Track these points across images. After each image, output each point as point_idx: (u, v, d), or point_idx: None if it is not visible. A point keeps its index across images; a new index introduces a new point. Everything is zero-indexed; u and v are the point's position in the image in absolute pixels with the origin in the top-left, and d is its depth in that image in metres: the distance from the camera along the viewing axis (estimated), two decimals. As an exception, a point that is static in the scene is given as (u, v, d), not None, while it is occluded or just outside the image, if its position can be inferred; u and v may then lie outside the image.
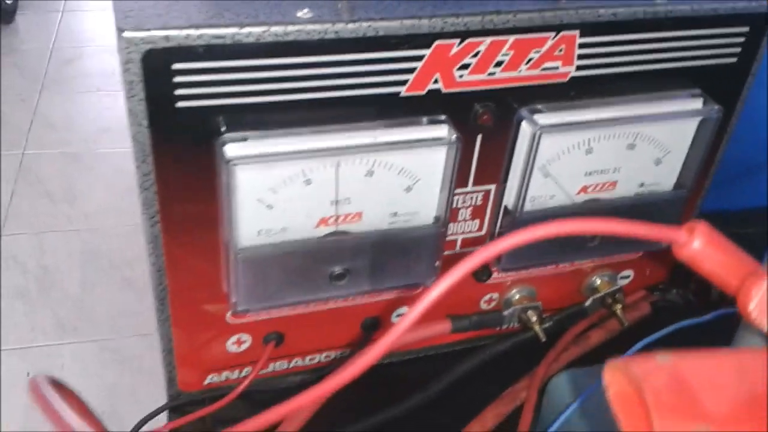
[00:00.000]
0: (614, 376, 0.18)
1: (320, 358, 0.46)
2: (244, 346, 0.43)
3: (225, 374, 0.44)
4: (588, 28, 0.38)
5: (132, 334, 2.10)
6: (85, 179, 2.70)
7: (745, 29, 0.41)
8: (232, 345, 0.43)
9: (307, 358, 0.46)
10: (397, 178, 0.38)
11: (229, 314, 0.41)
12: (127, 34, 0.30)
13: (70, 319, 2.16)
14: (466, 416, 0.44)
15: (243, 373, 0.44)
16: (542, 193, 0.42)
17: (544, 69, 0.38)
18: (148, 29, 0.31)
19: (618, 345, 0.43)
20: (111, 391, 1.92)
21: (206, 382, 0.44)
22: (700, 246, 0.24)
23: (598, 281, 0.49)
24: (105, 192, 2.67)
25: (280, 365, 0.45)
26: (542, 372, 0.45)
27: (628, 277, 0.50)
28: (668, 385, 0.18)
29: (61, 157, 2.80)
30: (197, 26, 0.31)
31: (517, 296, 0.48)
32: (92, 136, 2.92)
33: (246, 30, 0.32)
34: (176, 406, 0.43)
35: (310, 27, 0.33)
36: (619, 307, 0.48)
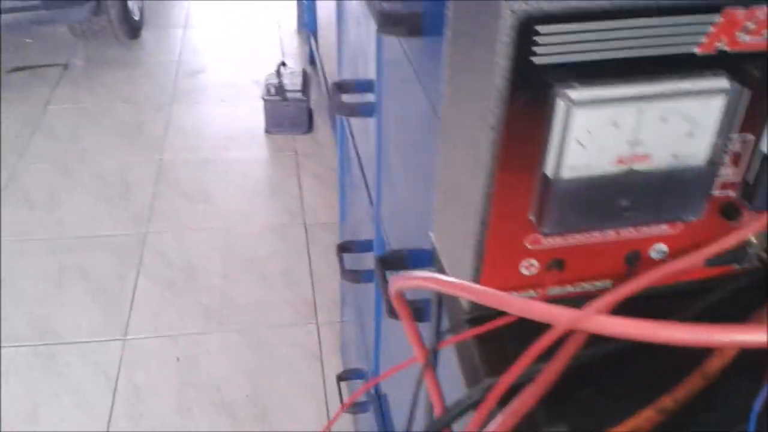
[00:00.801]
0: None
1: (588, 286, 0.54)
2: (532, 270, 0.51)
3: (514, 294, 0.52)
4: None
5: (269, 324, 2.24)
6: (217, 182, 2.88)
7: None
8: (523, 268, 0.51)
9: (578, 285, 0.54)
10: (683, 123, 0.46)
11: (526, 239, 0.50)
12: (509, 3, 0.40)
13: (214, 309, 2.32)
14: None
15: (527, 294, 0.53)
16: (798, 142, 0.49)
17: (808, 31, 0.45)
18: (526, -1, 0.40)
19: None
20: (253, 376, 2.06)
21: (500, 298, 0.53)
22: None
23: (828, 227, 0.55)
24: (236, 194, 2.84)
25: (556, 291, 0.53)
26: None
27: None
28: None
29: (195, 162, 2.99)
30: (556, -3, 0.40)
31: (755, 238, 0.54)
32: (220, 143, 3.11)
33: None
34: (475, 317, 0.52)
35: (634, -3, 0.41)
36: None
